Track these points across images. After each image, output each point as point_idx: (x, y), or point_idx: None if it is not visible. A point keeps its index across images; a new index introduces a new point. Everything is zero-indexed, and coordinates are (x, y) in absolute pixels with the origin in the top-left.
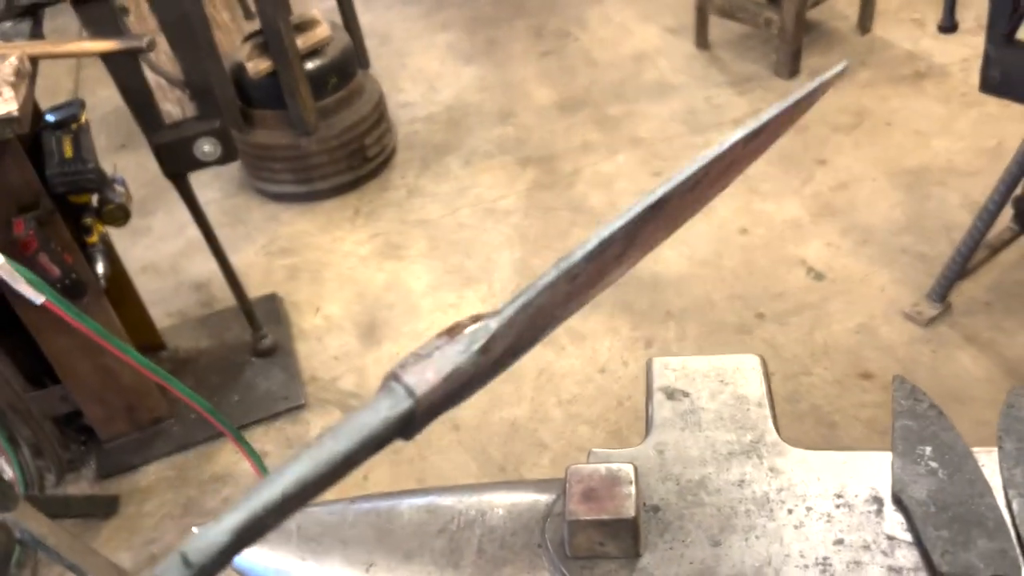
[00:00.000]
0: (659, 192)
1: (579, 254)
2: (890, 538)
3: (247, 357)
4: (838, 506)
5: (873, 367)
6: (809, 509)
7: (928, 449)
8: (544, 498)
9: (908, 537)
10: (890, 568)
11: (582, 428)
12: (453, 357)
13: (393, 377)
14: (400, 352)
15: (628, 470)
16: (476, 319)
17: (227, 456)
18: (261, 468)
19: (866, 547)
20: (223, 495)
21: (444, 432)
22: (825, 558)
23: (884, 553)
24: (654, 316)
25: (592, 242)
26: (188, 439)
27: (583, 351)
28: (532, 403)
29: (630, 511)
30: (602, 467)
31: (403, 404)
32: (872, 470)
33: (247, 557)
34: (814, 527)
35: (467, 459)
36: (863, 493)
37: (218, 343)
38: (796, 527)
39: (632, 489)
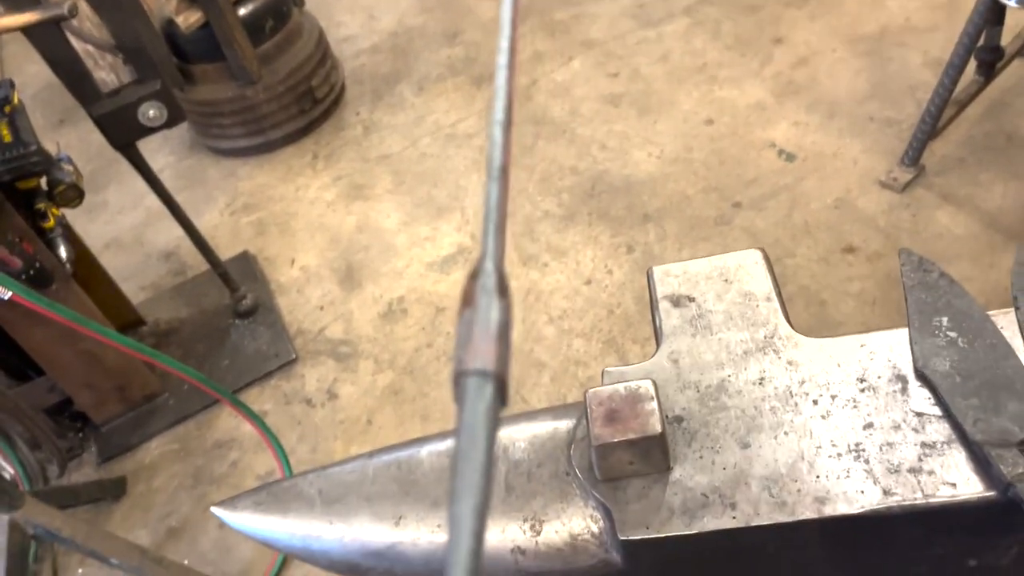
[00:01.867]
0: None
1: (497, 153)
2: (919, 414)
3: (230, 320)
4: (862, 390)
5: (855, 240)
6: (834, 397)
7: (944, 319)
8: (563, 425)
9: (937, 411)
10: (923, 444)
11: (576, 342)
12: (487, 317)
13: (461, 375)
14: (383, 293)
15: (647, 386)
16: (473, 275)
17: (227, 421)
18: (263, 429)
19: (896, 427)
20: (230, 460)
21: (440, 367)
22: (857, 444)
23: (915, 430)
24: (632, 220)
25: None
26: (184, 410)
27: (566, 265)
28: (523, 324)
29: (656, 427)
30: (620, 387)
31: (487, 388)
32: (891, 349)
33: (273, 528)
34: (841, 415)
35: None
36: (885, 373)
37: (198, 310)
38: (823, 417)
39: (655, 405)
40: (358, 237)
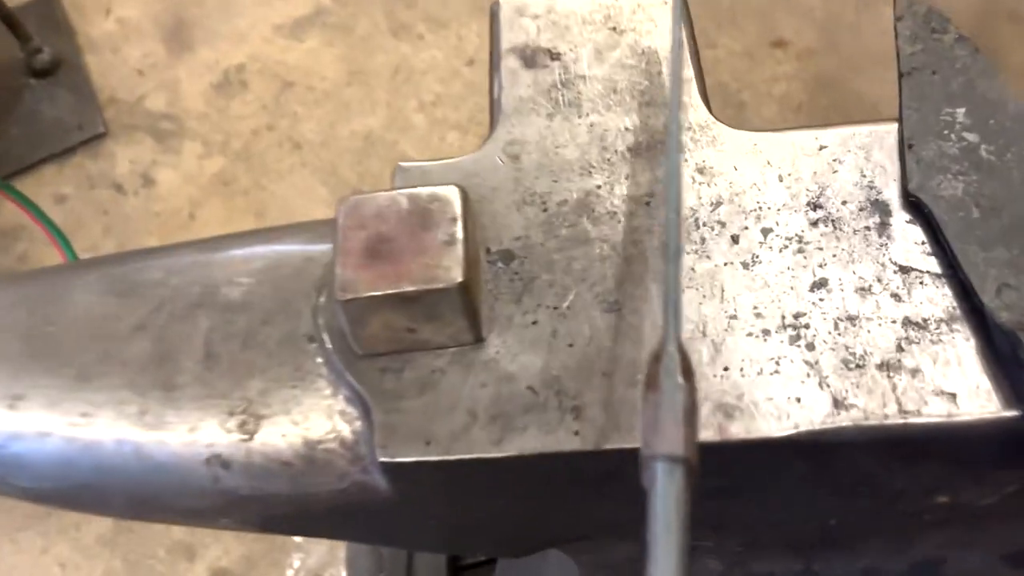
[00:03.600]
0: None
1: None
2: (904, 270)
3: (22, 78)
4: (815, 223)
5: (787, 32)
6: (767, 232)
7: (960, 112)
8: (322, 252)
9: (935, 265)
10: (907, 322)
11: (451, 135)
12: (673, 400)
13: (650, 460)
14: (219, 59)
15: (449, 196)
16: (655, 358)
17: (14, 205)
18: (42, 219)
19: (864, 289)
20: (17, 252)
21: (283, 154)
22: (798, 315)
23: (895, 297)
24: None
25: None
26: None
27: (446, 40)
28: (388, 109)
29: (454, 273)
30: (401, 195)
31: (678, 473)
32: (867, 156)
33: None
34: (777, 263)
35: (314, 183)
36: (855, 197)
37: None
38: (747, 266)
39: (456, 229)
40: None
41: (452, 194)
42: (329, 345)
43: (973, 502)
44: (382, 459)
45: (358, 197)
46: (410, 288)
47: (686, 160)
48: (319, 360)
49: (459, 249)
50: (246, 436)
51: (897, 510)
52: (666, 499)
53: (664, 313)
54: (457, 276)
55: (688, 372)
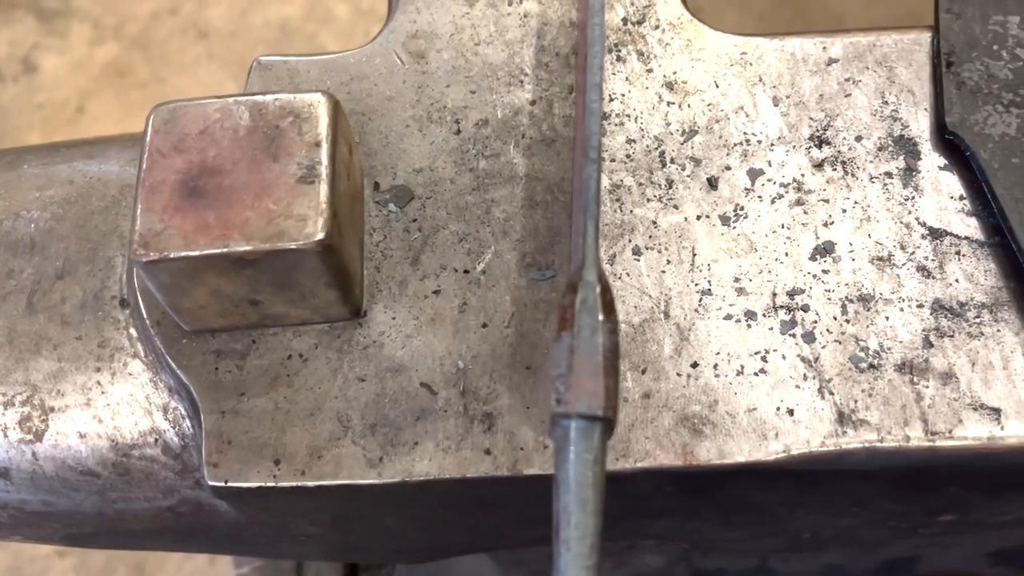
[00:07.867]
0: None
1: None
2: (935, 234)
3: None
4: (820, 164)
5: None
6: (756, 176)
7: (1014, 22)
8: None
9: (975, 231)
10: (938, 306)
11: (378, 30)
12: (592, 343)
13: (562, 418)
14: None
15: (311, 108)
16: (572, 288)
17: None
18: None
19: (882, 259)
20: None
21: (187, 43)
22: (793, 293)
23: (923, 271)
24: None
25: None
26: None
27: None
28: None
29: (311, 226)
30: (240, 104)
31: (594, 433)
32: (889, 77)
33: None
34: (767, 219)
35: (222, 77)
36: (874, 131)
37: None
38: (727, 222)
39: (319, 158)
40: None
41: (316, 104)
42: (146, 314)
43: (984, 520)
44: (211, 483)
45: (177, 104)
46: (244, 247)
47: (650, 70)
48: (132, 333)
49: (322, 190)
50: (30, 436)
51: (887, 526)
52: (580, 466)
53: (576, 230)
54: (316, 231)
55: (609, 307)
